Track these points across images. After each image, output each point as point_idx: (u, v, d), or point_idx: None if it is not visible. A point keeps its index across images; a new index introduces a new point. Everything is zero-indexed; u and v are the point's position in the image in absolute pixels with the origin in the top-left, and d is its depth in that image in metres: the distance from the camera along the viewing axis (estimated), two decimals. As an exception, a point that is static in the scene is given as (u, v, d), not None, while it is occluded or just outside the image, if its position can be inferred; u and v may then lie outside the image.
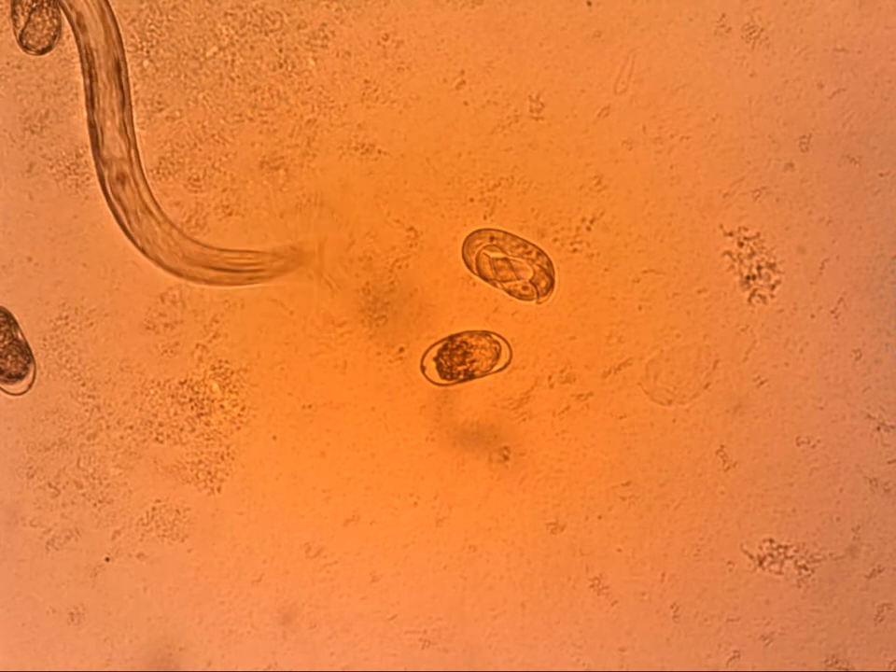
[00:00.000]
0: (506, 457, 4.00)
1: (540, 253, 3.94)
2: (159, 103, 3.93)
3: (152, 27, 3.94)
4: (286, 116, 3.92)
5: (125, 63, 3.89)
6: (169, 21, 3.93)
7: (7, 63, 3.93)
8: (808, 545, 4.03)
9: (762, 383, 4.01)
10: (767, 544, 4.04)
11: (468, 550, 4.04)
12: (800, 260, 3.99)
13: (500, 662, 4.07)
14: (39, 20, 3.90)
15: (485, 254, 3.92)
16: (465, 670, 4.07)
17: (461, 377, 3.94)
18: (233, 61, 3.94)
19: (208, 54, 3.94)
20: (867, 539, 4.03)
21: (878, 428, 4.01)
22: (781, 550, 4.03)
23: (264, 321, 3.99)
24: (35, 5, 3.88)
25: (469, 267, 3.94)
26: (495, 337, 3.94)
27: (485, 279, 3.95)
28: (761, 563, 4.04)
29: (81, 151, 3.93)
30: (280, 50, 3.93)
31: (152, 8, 3.93)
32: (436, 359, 3.93)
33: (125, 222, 3.87)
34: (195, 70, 3.95)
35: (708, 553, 4.03)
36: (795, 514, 4.04)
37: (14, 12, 3.91)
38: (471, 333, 3.95)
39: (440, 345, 3.93)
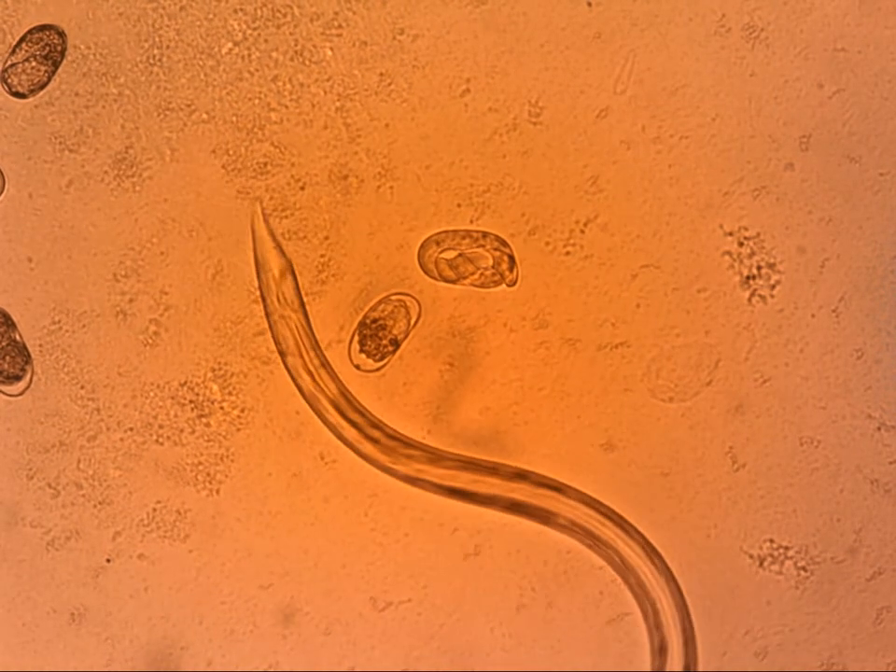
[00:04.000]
0: (452, 364, 4.01)
1: (486, 234, 3.95)
2: (188, 106, 3.95)
3: (161, 31, 3.95)
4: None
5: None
6: (178, 24, 3.95)
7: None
8: (809, 546, 4.03)
9: (763, 382, 4.00)
10: (768, 544, 4.03)
11: (469, 551, 4.05)
12: (800, 260, 3.99)
13: (501, 662, 4.08)
14: (33, 67, 3.89)
15: (441, 258, 3.93)
16: (464, 670, 4.07)
17: (391, 349, 3.97)
18: (249, 55, 3.96)
19: (224, 51, 3.96)
20: (867, 541, 4.03)
21: (879, 428, 4.01)
22: (782, 550, 4.03)
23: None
24: (41, 54, 3.87)
25: (433, 277, 3.96)
26: (394, 298, 3.97)
27: (451, 282, 3.95)
28: (761, 563, 4.03)
29: (123, 154, 3.97)
30: (296, 42, 3.94)
31: (159, 12, 3.95)
32: (362, 350, 3.96)
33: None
34: (213, 68, 3.97)
35: (709, 554, 4.03)
36: (796, 515, 4.03)
37: (19, 43, 3.91)
38: (372, 308, 3.98)
39: (357, 336, 3.98)
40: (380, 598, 4.06)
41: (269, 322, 3.94)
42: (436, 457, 3.95)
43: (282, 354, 3.93)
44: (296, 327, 3.93)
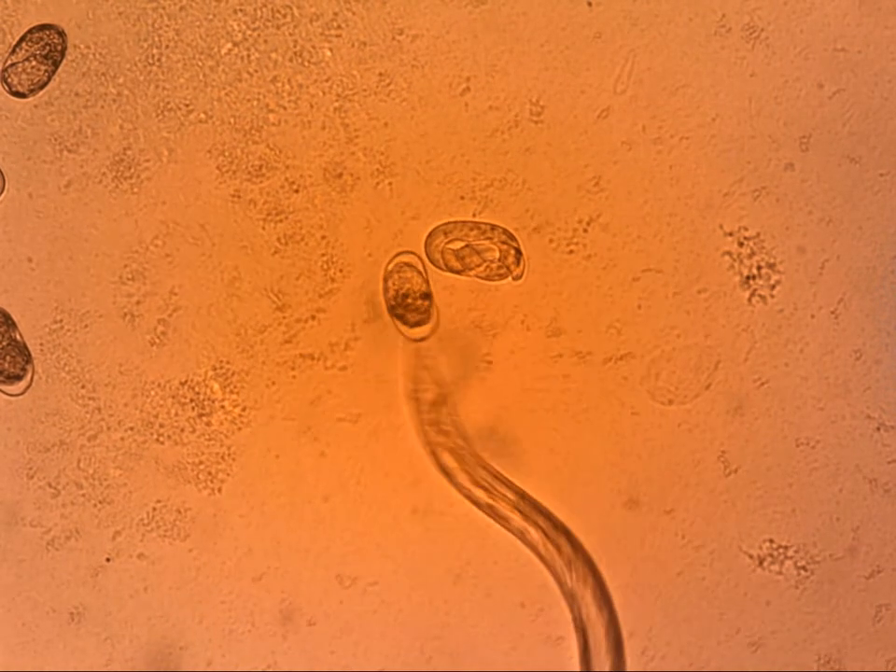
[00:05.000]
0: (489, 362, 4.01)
1: (494, 227, 3.95)
2: (186, 106, 3.95)
3: (160, 31, 3.95)
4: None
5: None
6: (177, 24, 3.95)
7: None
8: (808, 546, 4.03)
9: (762, 384, 4.00)
10: (767, 544, 4.03)
11: (467, 550, 4.05)
12: (800, 260, 3.99)
13: (498, 663, 4.08)
14: (33, 66, 3.89)
15: (448, 248, 3.92)
16: (462, 670, 4.07)
17: (426, 303, 3.94)
18: (249, 56, 3.96)
19: (223, 52, 3.96)
20: (867, 540, 4.03)
21: (878, 429, 4.01)
22: (781, 550, 4.03)
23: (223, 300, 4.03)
24: (41, 54, 3.87)
25: (438, 267, 3.95)
26: (391, 266, 3.96)
27: (457, 272, 3.95)
28: (761, 563, 4.03)
29: (122, 155, 3.97)
30: (295, 42, 3.94)
31: (158, 12, 3.95)
32: (413, 325, 3.95)
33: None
34: (212, 68, 3.96)
35: (709, 554, 4.03)
36: (795, 515, 4.04)
37: (19, 43, 3.90)
38: (385, 289, 3.96)
39: (397, 321, 3.97)
40: (366, 588, 4.06)
41: (432, 454, 4.00)
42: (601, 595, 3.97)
43: (449, 475, 3.96)
44: (458, 448, 3.96)
